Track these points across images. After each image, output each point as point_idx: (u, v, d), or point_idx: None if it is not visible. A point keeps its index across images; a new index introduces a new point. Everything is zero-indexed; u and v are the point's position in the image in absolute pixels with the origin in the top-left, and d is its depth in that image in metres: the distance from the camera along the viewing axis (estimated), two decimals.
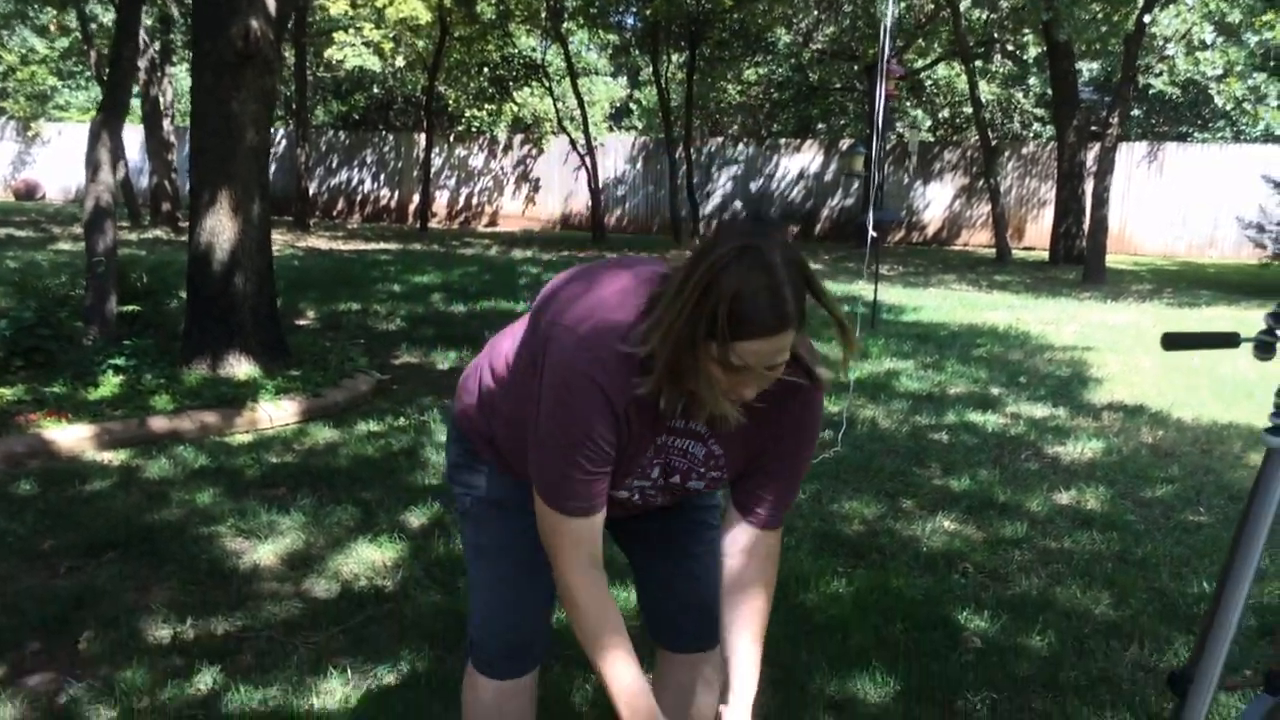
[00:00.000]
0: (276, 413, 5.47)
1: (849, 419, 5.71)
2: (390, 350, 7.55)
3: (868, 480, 4.69)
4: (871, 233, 6.13)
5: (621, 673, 1.66)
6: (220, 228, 5.96)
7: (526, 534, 1.79)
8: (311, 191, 23.63)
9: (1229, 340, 1.44)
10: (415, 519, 4.06)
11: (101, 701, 2.68)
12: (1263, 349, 1.38)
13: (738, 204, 22.78)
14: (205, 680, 2.80)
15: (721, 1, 18.98)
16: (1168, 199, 19.73)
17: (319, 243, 17.19)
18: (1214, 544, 3.94)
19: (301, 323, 8.45)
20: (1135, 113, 24.67)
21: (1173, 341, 1.54)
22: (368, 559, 3.66)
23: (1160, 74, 17.78)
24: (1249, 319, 10.38)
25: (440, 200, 24.48)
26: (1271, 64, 14.47)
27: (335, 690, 2.76)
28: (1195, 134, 24.78)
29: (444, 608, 3.26)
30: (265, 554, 3.69)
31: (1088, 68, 23.47)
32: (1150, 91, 22.77)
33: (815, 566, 3.62)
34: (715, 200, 22.89)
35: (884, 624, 3.21)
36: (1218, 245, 19.22)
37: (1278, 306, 1.42)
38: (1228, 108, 15.31)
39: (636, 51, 23.48)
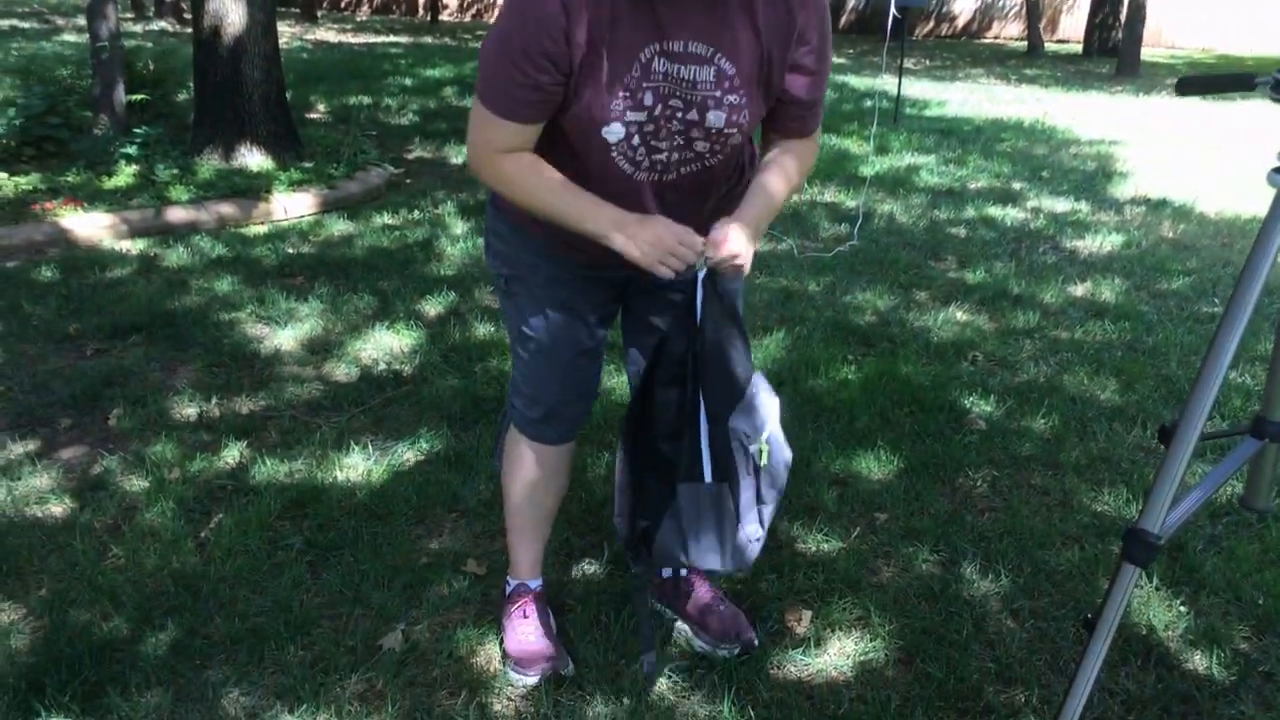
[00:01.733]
0: (292, 205, 5.45)
1: (866, 213, 5.66)
2: (403, 144, 7.44)
3: (882, 273, 4.69)
4: (895, 13, 5.86)
5: (590, 209, 1.65)
6: (224, 11, 5.78)
7: (574, 309, 1.88)
8: None
9: (1243, 82, 1.39)
10: (432, 308, 4.10)
11: (134, 472, 2.80)
12: (1278, 89, 1.34)
13: None
14: (232, 454, 2.91)
15: None
16: None
17: (327, 35, 16.68)
18: None
19: (312, 116, 8.31)
20: None
21: (1187, 86, 1.49)
22: (386, 345, 3.73)
23: None
24: None
25: None
26: None
27: (358, 465, 2.87)
28: None
29: (461, 390, 3.34)
30: (285, 339, 3.76)
31: None
32: None
33: (825, 354, 3.67)
34: None
35: (890, 407, 3.28)
36: (1260, 36, 18.43)
37: None
38: None
39: None
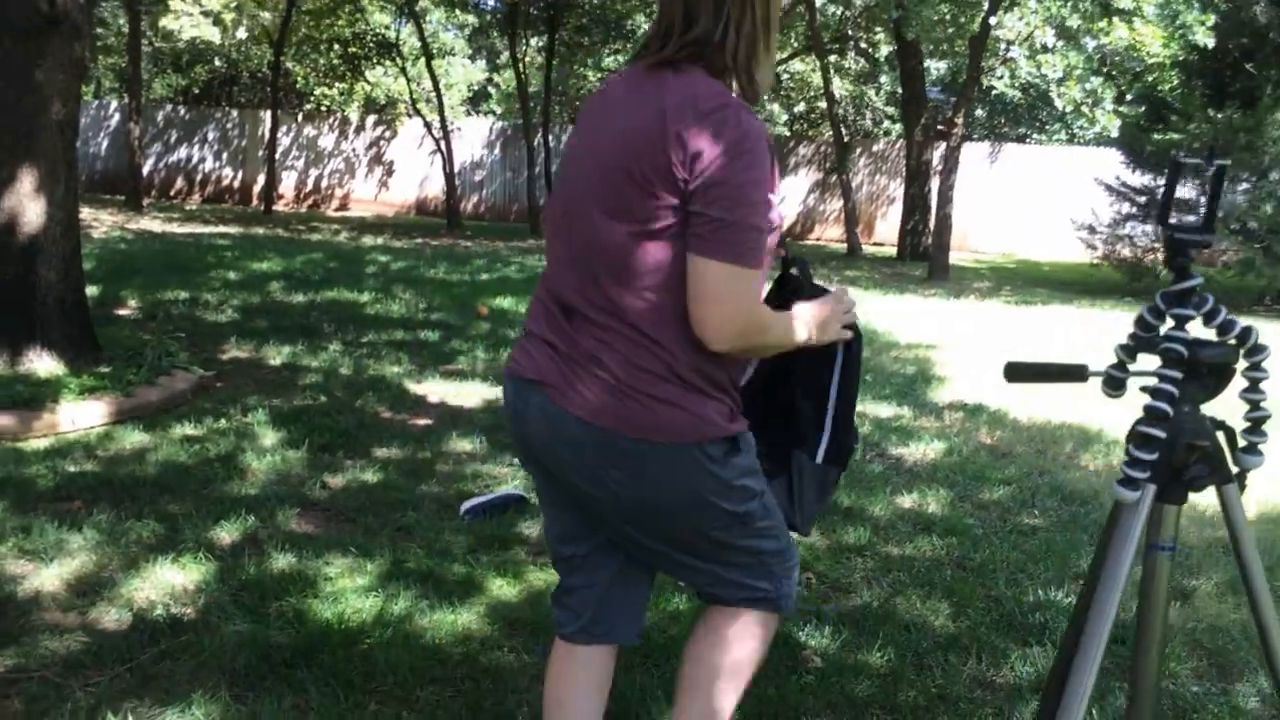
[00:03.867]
0: (80, 415, 5.01)
1: None
2: (218, 344, 7.08)
3: None
4: None
5: (791, 319, 1.90)
6: (20, 209, 5.44)
7: None
8: (147, 169, 22.39)
9: (1076, 374, 1.33)
10: (226, 535, 3.73)
11: None
12: (1112, 384, 1.27)
13: None
14: None
15: None
16: (1007, 199, 20.47)
17: (152, 224, 16.24)
18: (1047, 548, 3.97)
19: (122, 313, 7.87)
20: (979, 113, 25.55)
21: (1016, 373, 1.43)
22: (167, 582, 3.33)
23: (1003, 76, 18.40)
24: (1088, 317, 10.80)
25: (288, 182, 23.53)
26: (1106, 69, 15.12)
27: None
28: (1034, 136, 25.85)
29: (249, 639, 2.96)
30: (49, 579, 3.31)
31: (935, 67, 24.18)
32: (993, 93, 23.60)
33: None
34: None
35: None
36: (1052, 245, 20.05)
37: (1129, 339, 1.32)
38: (1067, 110, 15.92)
39: (495, 34, 23.02)
